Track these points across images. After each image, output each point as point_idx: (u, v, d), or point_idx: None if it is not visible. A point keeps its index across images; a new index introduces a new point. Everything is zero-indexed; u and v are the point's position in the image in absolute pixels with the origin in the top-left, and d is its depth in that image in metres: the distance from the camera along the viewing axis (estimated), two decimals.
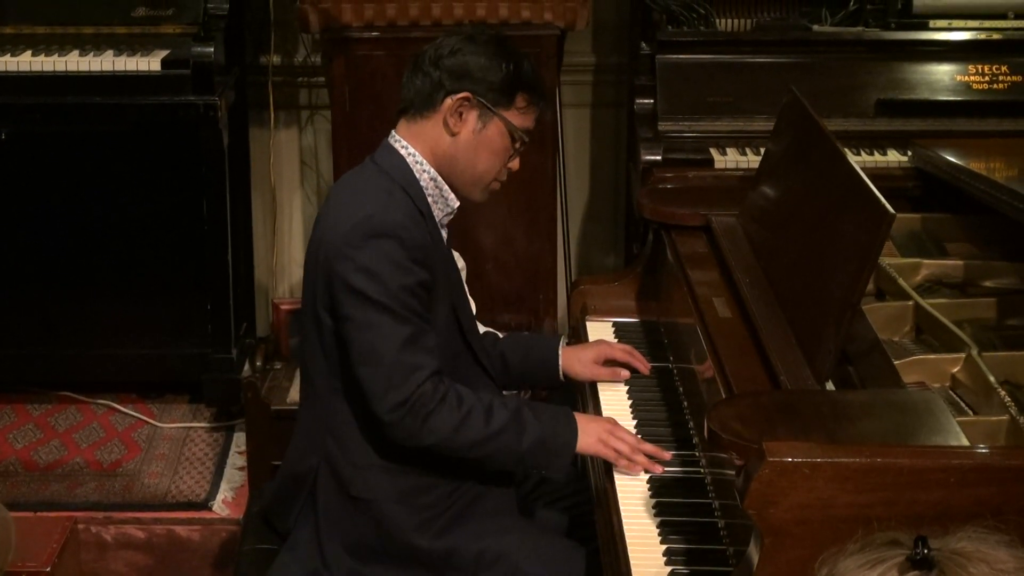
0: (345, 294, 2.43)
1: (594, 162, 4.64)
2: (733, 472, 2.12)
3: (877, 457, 1.90)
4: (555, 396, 3.61)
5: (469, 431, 2.46)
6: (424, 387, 2.43)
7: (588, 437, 2.53)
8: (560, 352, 2.87)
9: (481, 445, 2.48)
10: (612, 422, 2.58)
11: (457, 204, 2.59)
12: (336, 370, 2.53)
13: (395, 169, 2.53)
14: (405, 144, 2.55)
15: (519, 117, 2.55)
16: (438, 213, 2.57)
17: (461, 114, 2.51)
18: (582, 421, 2.56)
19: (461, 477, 2.57)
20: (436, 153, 2.53)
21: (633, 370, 2.88)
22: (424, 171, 2.54)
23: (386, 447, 2.52)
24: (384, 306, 2.41)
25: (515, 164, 2.60)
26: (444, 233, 2.60)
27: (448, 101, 2.51)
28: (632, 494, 2.43)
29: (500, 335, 2.91)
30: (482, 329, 2.86)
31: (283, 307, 4.04)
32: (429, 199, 2.54)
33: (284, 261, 4.58)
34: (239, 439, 4.07)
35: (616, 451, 2.50)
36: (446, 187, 2.56)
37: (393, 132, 2.59)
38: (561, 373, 2.87)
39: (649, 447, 2.52)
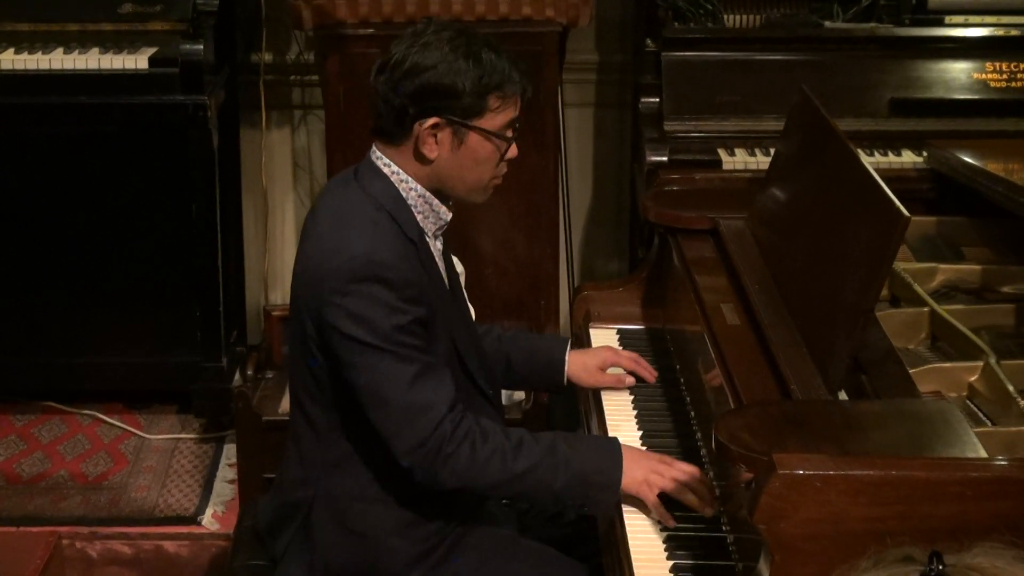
0: (341, 342, 2.40)
1: (597, 163, 4.64)
2: (742, 485, 2.12)
3: (891, 470, 1.90)
4: (556, 400, 3.62)
5: (494, 472, 2.42)
6: (443, 427, 2.39)
7: (634, 475, 2.43)
8: (567, 356, 2.86)
9: (509, 485, 2.43)
10: (664, 459, 2.48)
11: (449, 216, 2.55)
12: (332, 406, 2.51)
13: (380, 192, 2.48)
14: (388, 162, 2.50)
15: (496, 118, 2.46)
16: (430, 227, 2.53)
17: (436, 137, 2.45)
18: (629, 457, 2.46)
19: (459, 502, 2.55)
20: (419, 175, 2.49)
21: (639, 379, 2.87)
22: (411, 189, 2.49)
23: (384, 480, 2.51)
24: (383, 349, 2.38)
25: (513, 153, 2.52)
26: (439, 244, 2.59)
27: (417, 127, 2.44)
28: (637, 507, 2.43)
29: (502, 332, 2.88)
30: (483, 327, 2.85)
31: (275, 314, 4.04)
32: (419, 216, 2.50)
33: (276, 266, 4.59)
34: (229, 451, 4.07)
35: (679, 488, 2.40)
36: (436, 202, 2.51)
37: (374, 147, 2.53)
38: (566, 378, 2.86)
39: (704, 490, 2.41)
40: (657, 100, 3.81)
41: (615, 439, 2.54)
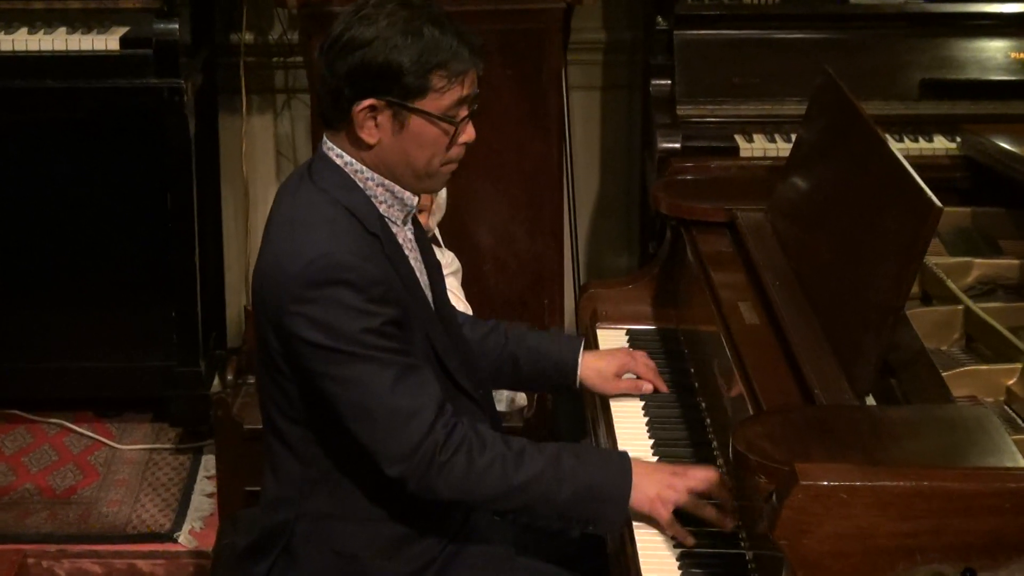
0: (308, 352, 2.38)
1: (605, 151, 4.64)
2: (762, 498, 2.12)
3: (923, 480, 1.90)
4: (560, 406, 3.62)
5: (493, 482, 2.41)
6: (434, 434, 2.38)
7: (646, 491, 2.41)
8: (581, 358, 2.85)
9: (509, 497, 2.42)
10: (679, 472, 2.45)
11: (416, 200, 2.52)
12: (305, 421, 2.50)
13: (335, 187, 2.46)
14: (339, 152, 2.48)
15: (442, 98, 2.41)
16: (396, 215, 2.51)
17: (375, 120, 2.42)
18: (640, 471, 2.44)
19: (452, 518, 2.55)
20: (367, 161, 2.47)
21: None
22: (368, 178, 2.47)
23: (371, 497, 2.50)
24: (355, 355, 2.36)
25: (468, 136, 2.47)
26: (409, 232, 2.56)
27: (354, 110, 2.41)
28: (649, 523, 2.43)
29: (509, 329, 2.88)
30: (487, 323, 2.85)
31: None
32: (383, 206, 2.48)
33: None
34: (208, 462, 4.07)
35: (694, 503, 2.40)
36: (397, 188, 2.49)
37: (324, 138, 2.51)
38: (579, 381, 2.86)
39: (723, 498, 2.41)
40: (669, 82, 3.81)
41: (624, 452, 2.52)
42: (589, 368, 2.85)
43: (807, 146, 2.93)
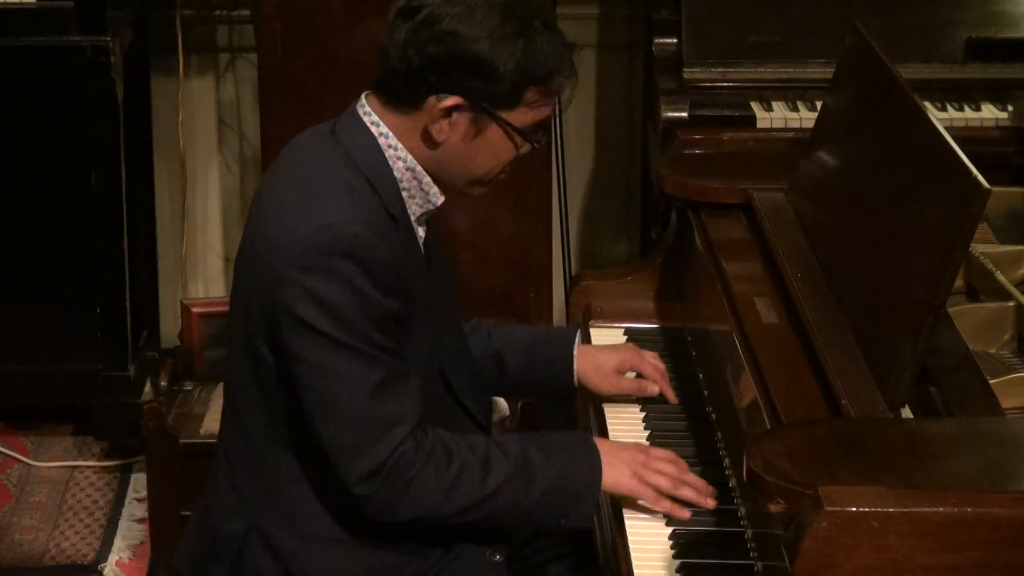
0: (293, 329, 2.40)
1: (600, 121, 4.65)
2: (781, 526, 2.12)
3: (967, 506, 1.90)
4: (548, 409, 3.62)
5: (464, 495, 2.44)
6: (404, 447, 2.41)
7: (615, 471, 2.51)
8: (576, 351, 2.87)
9: (476, 508, 2.46)
10: (643, 448, 2.59)
11: (440, 201, 2.55)
12: (279, 416, 2.51)
13: (362, 153, 2.48)
14: (377, 121, 2.50)
15: (529, 113, 2.48)
16: (415, 210, 2.54)
17: (451, 118, 2.45)
18: (607, 451, 2.54)
19: (434, 545, 2.56)
20: (415, 150, 2.49)
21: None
22: (400, 158, 2.49)
23: (343, 514, 2.51)
24: (345, 346, 2.38)
25: (526, 148, 2.54)
26: (421, 232, 2.59)
27: (432, 100, 2.44)
28: (649, 553, 2.44)
29: (492, 328, 2.90)
30: (468, 324, 2.87)
31: (196, 310, 4.03)
32: (404, 194, 2.51)
33: (197, 250, 4.59)
34: (138, 482, 4.08)
35: (655, 488, 2.51)
36: (427, 180, 2.52)
37: (363, 99, 2.53)
38: (576, 380, 2.87)
39: (693, 478, 2.54)
40: (675, 41, 3.82)
41: (585, 435, 2.62)
42: (586, 362, 2.87)
43: (834, 116, 2.94)
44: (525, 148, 2.51)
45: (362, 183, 2.46)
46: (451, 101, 2.43)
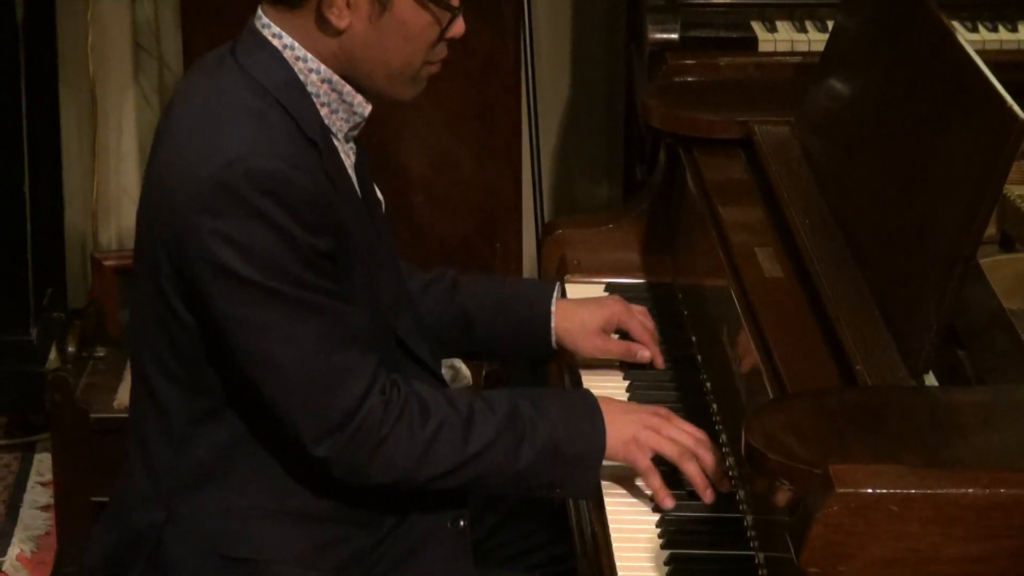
0: (213, 282, 2.40)
1: (577, 45, 4.65)
2: (785, 511, 2.12)
3: (1000, 488, 1.91)
4: (518, 374, 3.63)
5: (442, 456, 2.46)
6: (371, 400, 2.42)
7: (623, 434, 2.51)
8: (554, 306, 2.87)
9: (457, 472, 2.48)
10: (659, 411, 2.58)
11: (367, 111, 2.56)
12: (202, 387, 2.52)
13: (267, 72, 2.48)
14: (278, 32, 2.50)
15: None
16: (340, 126, 2.55)
17: (347, 1, 2.45)
18: (611, 411, 2.54)
19: (390, 515, 2.58)
20: (324, 53, 2.50)
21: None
22: (312, 70, 2.50)
23: (283, 487, 2.53)
24: (276, 292, 2.38)
25: (458, 30, 2.54)
26: (351, 152, 2.59)
27: None
28: (634, 543, 2.45)
29: (459, 279, 2.91)
30: (431, 272, 2.89)
31: (109, 264, 4.04)
32: (324, 110, 2.51)
33: (110, 194, 4.58)
34: (42, 463, 4.09)
35: (655, 451, 2.50)
36: (348, 89, 2.52)
37: (260, 12, 2.53)
38: (554, 339, 2.87)
39: (712, 460, 2.52)
40: None
41: (588, 392, 2.60)
42: (567, 319, 2.88)
43: (848, 38, 2.94)
44: (447, 22, 2.50)
45: (272, 107, 2.46)
46: None
